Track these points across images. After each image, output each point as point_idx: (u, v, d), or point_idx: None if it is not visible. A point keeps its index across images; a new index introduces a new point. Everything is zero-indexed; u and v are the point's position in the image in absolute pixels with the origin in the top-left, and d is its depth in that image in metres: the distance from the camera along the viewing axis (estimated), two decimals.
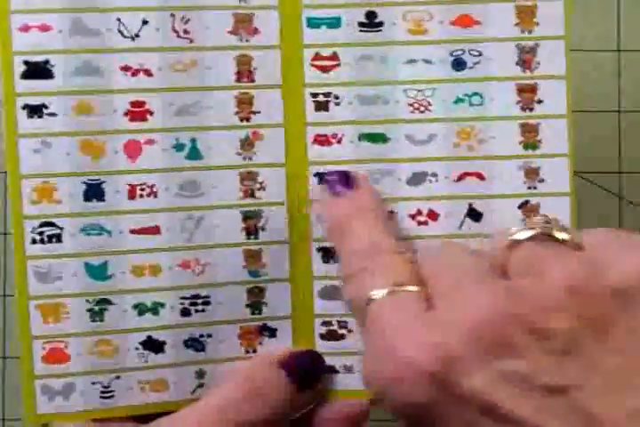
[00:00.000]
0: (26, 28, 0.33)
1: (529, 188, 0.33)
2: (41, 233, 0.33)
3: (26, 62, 0.33)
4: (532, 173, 0.33)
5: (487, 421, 0.23)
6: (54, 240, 0.33)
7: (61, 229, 0.33)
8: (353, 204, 0.32)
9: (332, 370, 0.34)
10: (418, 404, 0.24)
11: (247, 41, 0.34)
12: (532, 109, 0.33)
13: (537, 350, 0.23)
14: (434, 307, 0.25)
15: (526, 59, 0.33)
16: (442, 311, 0.25)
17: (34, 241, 0.33)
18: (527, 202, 0.33)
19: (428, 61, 0.33)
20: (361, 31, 0.34)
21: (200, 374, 0.35)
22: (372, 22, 0.34)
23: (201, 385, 0.35)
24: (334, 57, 0.34)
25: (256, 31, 0.34)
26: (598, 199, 0.47)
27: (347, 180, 0.33)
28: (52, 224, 0.33)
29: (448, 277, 0.26)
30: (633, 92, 0.47)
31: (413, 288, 0.27)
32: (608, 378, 0.22)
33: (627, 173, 0.47)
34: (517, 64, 0.33)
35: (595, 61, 0.47)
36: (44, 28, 0.33)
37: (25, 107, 0.33)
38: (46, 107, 0.33)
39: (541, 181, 0.33)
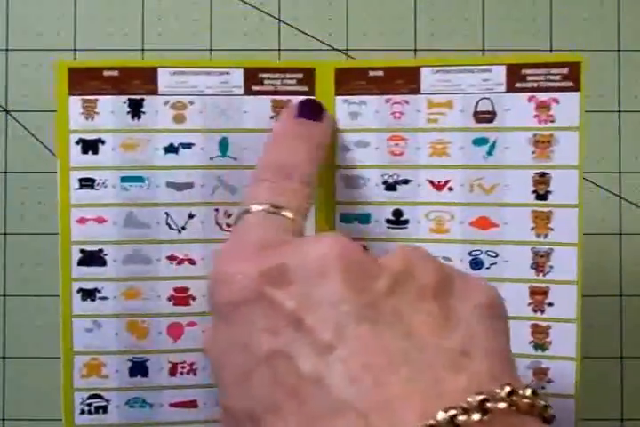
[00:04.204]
0: (83, 221, 0.36)
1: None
2: (89, 404, 0.36)
3: (82, 251, 0.36)
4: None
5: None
6: (101, 411, 0.36)
7: (108, 401, 0.36)
8: (308, 128, 0.33)
9: None
10: (236, 302, 0.26)
11: None
12: (542, 311, 0.35)
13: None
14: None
15: (540, 262, 0.35)
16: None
17: (82, 412, 0.36)
18: None
19: (447, 259, 0.36)
20: (388, 228, 0.36)
21: None
22: (398, 220, 0.36)
23: None
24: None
25: None
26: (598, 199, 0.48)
27: (316, 110, 0.34)
28: (99, 397, 0.36)
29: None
30: None
31: (289, 214, 0.29)
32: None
33: (627, 172, 0.47)
34: (532, 267, 0.35)
35: None
36: (100, 220, 0.36)
37: (79, 291, 0.36)
38: (99, 291, 0.36)
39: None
